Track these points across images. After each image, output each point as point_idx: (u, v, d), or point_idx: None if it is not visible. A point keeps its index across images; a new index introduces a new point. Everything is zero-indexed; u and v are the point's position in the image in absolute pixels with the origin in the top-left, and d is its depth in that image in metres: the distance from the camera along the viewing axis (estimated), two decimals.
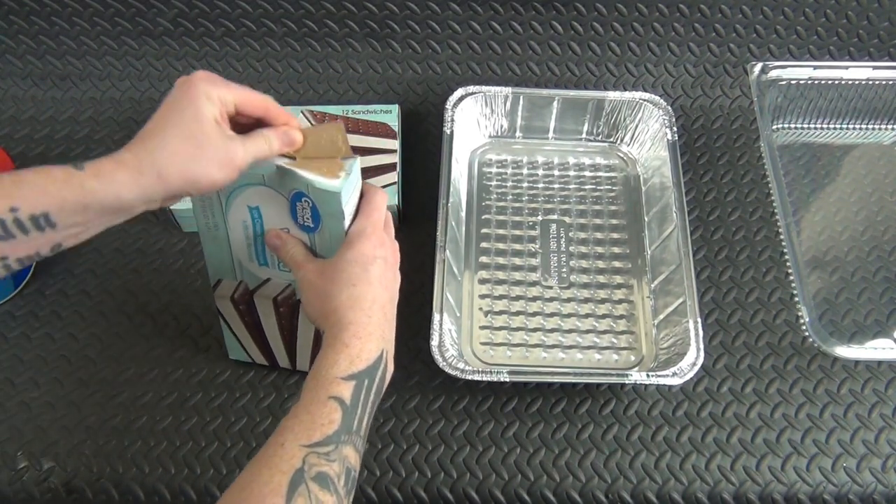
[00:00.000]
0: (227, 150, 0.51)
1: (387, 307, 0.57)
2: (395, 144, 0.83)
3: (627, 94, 0.85)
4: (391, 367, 0.56)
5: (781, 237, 0.77)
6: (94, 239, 0.80)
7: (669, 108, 0.84)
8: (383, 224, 0.59)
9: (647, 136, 0.85)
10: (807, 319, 0.70)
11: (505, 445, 0.70)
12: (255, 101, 0.54)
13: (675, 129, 0.82)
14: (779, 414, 0.72)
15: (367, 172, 0.81)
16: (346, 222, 0.58)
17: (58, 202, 0.47)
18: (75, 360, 0.74)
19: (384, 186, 0.80)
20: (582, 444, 0.70)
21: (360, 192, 0.59)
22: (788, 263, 0.74)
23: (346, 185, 0.55)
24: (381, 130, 0.84)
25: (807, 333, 0.71)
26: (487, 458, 0.70)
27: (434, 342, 0.69)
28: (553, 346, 0.75)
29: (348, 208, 0.57)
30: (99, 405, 0.71)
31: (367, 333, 0.54)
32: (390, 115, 0.86)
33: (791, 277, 0.74)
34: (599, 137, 0.88)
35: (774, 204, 0.78)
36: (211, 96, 0.51)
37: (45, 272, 0.79)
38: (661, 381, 0.68)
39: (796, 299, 0.72)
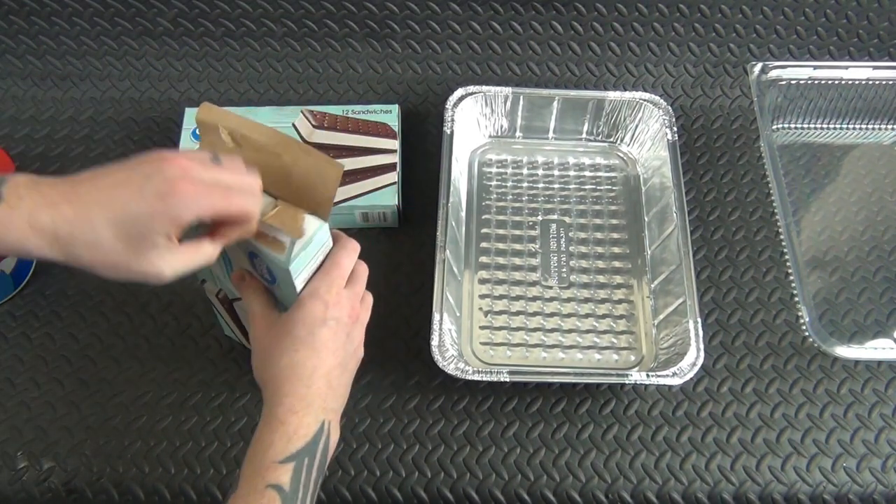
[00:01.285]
0: (153, 269, 0.45)
1: (333, 374, 0.53)
2: (395, 144, 0.83)
3: (627, 94, 0.85)
4: (335, 436, 0.53)
5: (781, 237, 0.77)
6: None
7: (669, 108, 0.84)
8: (345, 281, 0.55)
9: (647, 136, 0.85)
10: (807, 319, 0.70)
11: (505, 445, 0.70)
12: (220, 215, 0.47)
13: (675, 129, 0.82)
14: (779, 414, 0.72)
15: (367, 172, 0.81)
16: (300, 287, 0.54)
17: None
18: (75, 360, 0.74)
19: (384, 187, 0.80)
20: (582, 444, 0.70)
21: (329, 248, 0.56)
22: (788, 263, 0.74)
23: (299, 258, 0.51)
24: (381, 130, 0.84)
25: (807, 333, 0.71)
26: (487, 458, 0.70)
27: (434, 342, 0.69)
28: (553, 346, 0.75)
29: (304, 275, 0.54)
30: (99, 405, 0.71)
31: (304, 406, 0.51)
32: (390, 115, 0.85)
33: (791, 277, 0.74)
34: (599, 137, 0.88)
35: (774, 204, 0.78)
36: (183, 219, 0.44)
37: (45, 272, 0.79)
38: (661, 381, 0.68)
39: (796, 299, 0.72)
